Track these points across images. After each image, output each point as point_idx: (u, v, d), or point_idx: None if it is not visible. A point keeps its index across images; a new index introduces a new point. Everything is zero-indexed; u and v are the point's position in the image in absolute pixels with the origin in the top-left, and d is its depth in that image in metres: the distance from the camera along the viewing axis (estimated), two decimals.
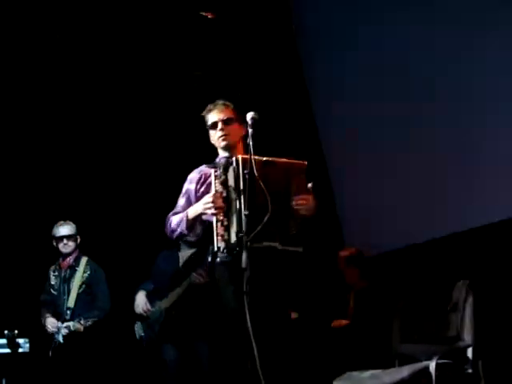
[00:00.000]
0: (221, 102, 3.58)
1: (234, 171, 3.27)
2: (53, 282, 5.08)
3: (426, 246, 4.98)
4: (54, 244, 5.05)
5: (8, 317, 5.06)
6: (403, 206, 5.23)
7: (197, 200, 3.44)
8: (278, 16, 5.99)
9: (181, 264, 4.87)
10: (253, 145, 3.16)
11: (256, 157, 3.25)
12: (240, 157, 3.29)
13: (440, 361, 3.72)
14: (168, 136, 5.78)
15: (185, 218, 3.43)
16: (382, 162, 5.42)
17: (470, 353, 3.84)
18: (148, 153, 5.82)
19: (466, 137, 4.81)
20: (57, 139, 5.63)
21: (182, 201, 3.56)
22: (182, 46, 5.77)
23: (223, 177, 3.31)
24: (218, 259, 3.36)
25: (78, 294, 4.97)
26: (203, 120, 3.59)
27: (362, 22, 5.52)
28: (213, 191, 3.31)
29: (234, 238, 3.23)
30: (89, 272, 5.04)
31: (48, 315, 4.92)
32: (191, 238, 3.74)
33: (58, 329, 4.82)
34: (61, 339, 4.80)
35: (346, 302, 5.07)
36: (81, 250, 5.14)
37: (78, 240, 5.10)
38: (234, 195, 3.28)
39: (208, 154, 3.62)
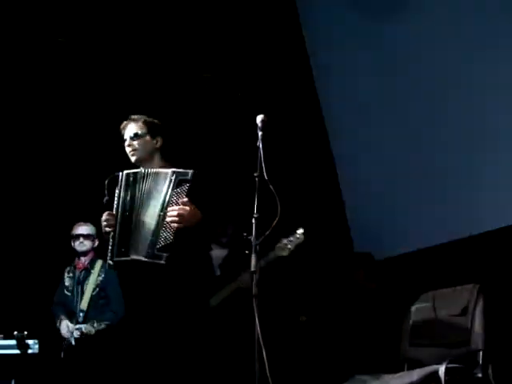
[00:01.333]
0: (132, 116, 3.68)
1: (119, 187, 3.47)
2: (67, 284, 5.07)
3: (437, 250, 4.97)
4: (72, 244, 5.07)
5: (17, 318, 5.07)
6: (414, 209, 5.21)
7: None
8: (286, 17, 5.99)
9: (215, 267, 4.87)
10: (262, 147, 3.17)
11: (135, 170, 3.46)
12: (124, 173, 3.50)
13: (450, 365, 3.69)
14: (178, 138, 5.77)
15: None
16: (393, 165, 5.40)
17: (480, 357, 3.82)
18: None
19: (481, 138, 4.78)
20: (80, 143, 5.64)
21: None
22: (191, 48, 5.77)
23: (115, 192, 3.50)
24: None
25: (92, 297, 4.96)
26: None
27: (372, 22, 5.52)
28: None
29: (111, 257, 3.42)
30: (103, 275, 5.02)
31: (63, 317, 4.92)
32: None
33: (71, 332, 4.82)
34: (73, 341, 4.80)
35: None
36: (97, 253, 5.12)
37: (96, 242, 5.09)
38: (116, 212, 3.46)
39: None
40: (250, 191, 3.15)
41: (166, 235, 3.33)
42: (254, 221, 3.07)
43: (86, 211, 5.35)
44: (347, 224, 5.84)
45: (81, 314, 4.91)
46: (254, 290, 2.96)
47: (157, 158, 3.60)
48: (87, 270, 5.05)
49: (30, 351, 4.77)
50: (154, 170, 3.48)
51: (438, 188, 5.05)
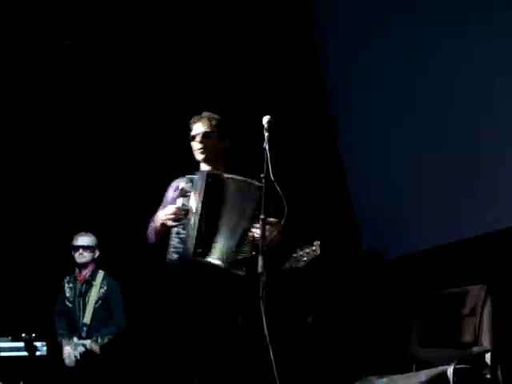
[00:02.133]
0: (206, 114, 3.64)
1: (201, 187, 3.37)
2: (68, 294, 5.03)
3: (444, 250, 4.95)
4: (72, 253, 5.03)
5: (25, 320, 5.08)
6: (423, 208, 5.20)
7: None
8: (293, 20, 5.98)
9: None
10: (269, 149, 3.17)
11: (232, 176, 3.37)
12: (206, 173, 3.42)
13: (458, 366, 3.68)
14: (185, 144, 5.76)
15: (153, 227, 3.50)
16: (405, 163, 5.38)
17: (488, 358, 3.80)
18: (163, 160, 5.81)
19: (490, 137, 4.76)
20: (80, 151, 5.65)
21: (160, 208, 3.60)
22: (197, 51, 5.77)
23: (190, 190, 3.40)
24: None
25: (95, 310, 4.91)
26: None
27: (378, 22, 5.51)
28: (178, 203, 3.39)
29: (187, 253, 3.31)
30: (105, 288, 4.99)
31: (65, 340, 4.85)
32: None
33: (75, 347, 4.80)
34: (78, 355, 4.78)
35: None
36: (98, 264, 5.10)
37: (96, 253, 5.06)
38: (194, 210, 3.36)
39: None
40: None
41: (250, 249, 3.29)
42: (260, 222, 3.06)
43: (90, 219, 5.40)
44: (356, 224, 5.82)
45: (84, 329, 4.86)
46: (262, 293, 2.95)
47: (220, 161, 3.58)
48: (88, 283, 5.00)
49: (38, 353, 4.79)
50: (243, 178, 3.42)
51: (447, 188, 5.03)
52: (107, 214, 5.64)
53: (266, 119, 3.25)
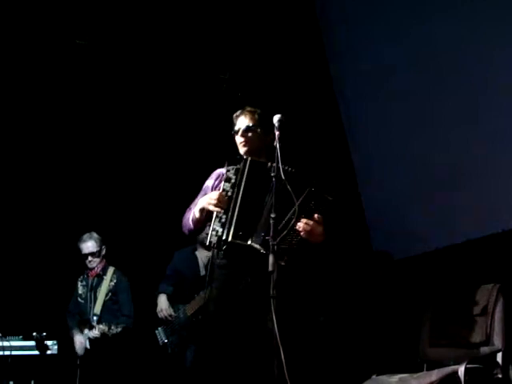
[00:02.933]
0: (248, 108, 3.62)
1: (244, 173, 3.36)
2: (80, 292, 5.16)
3: (456, 249, 4.93)
4: (83, 258, 5.16)
5: (37, 319, 5.11)
6: (432, 208, 5.17)
7: None
8: (304, 17, 5.97)
9: (201, 267, 4.89)
10: (280, 147, 3.17)
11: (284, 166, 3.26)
12: (249, 159, 3.39)
13: (469, 365, 3.66)
14: (195, 141, 5.78)
15: (192, 213, 3.50)
16: (411, 163, 5.37)
17: (499, 357, 3.79)
18: (173, 158, 5.83)
19: (500, 136, 4.74)
20: (84, 150, 5.67)
21: (199, 196, 3.60)
22: (207, 50, 5.78)
23: (233, 177, 3.39)
24: (218, 261, 3.43)
25: (105, 302, 5.04)
26: (230, 123, 3.63)
27: (388, 20, 5.50)
28: (220, 189, 3.39)
29: (226, 236, 3.30)
30: (115, 281, 5.12)
31: (75, 331, 4.97)
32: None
33: (86, 337, 4.87)
34: (88, 345, 4.84)
35: None
36: (108, 259, 5.23)
37: (103, 251, 5.18)
38: (237, 195, 3.36)
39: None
40: None
41: (292, 240, 3.27)
42: (271, 221, 3.06)
43: (98, 218, 5.44)
44: (366, 223, 5.81)
45: (94, 318, 4.97)
46: (272, 291, 2.94)
47: (264, 155, 3.54)
48: (99, 277, 5.13)
49: (49, 352, 4.81)
50: (293, 170, 3.38)
51: (457, 187, 5.01)
52: (116, 211, 5.68)
53: (276, 118, 3.25)
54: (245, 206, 3.35)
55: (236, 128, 3.59)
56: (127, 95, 5.66)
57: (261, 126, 3.54)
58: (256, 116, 3.57)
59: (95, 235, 5.15)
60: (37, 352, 4.80)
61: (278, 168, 3.13)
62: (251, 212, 3.34)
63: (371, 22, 5.61)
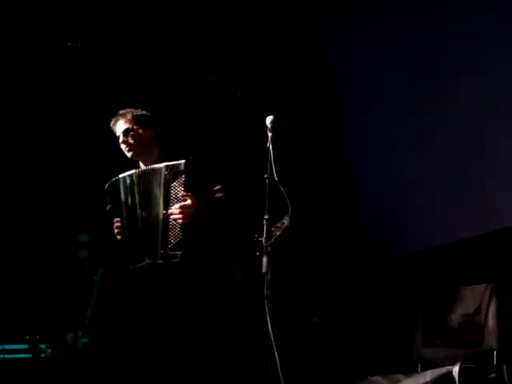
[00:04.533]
0: (120, 112, 3.62)
1: (119, 190, 3.43)
2: (73, 293, 5.15)
3: (450, 248, 4.93)
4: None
5: (29, 322, 5.08)
6: (427, 207, 5.18)
7: None
8: (297, 17, 5.96)
9: None
10: (273, 148, 3.16)
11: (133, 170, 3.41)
12: (109, 183, 3.49)
13: (463, 365, 3.67)
14: (188, 142, 5.77)
15: None
16: (406, 162, 5.37)
17: (494, 357, 3.79)
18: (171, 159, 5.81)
19: (494, 137, 4.75)
20: (84, 151, 5.65)
21: None
22: (199, 51, 5.77)
23: (116, 194, 3.46)
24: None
25: (97, 303, 5.00)
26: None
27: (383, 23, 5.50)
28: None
29: (124, 261, 3.38)
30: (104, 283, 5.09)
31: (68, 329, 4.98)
32: None
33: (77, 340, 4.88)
34: (80, 348, 4.84)
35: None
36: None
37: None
38: (121, 216, 3.41)
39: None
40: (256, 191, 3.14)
41: (175, 233, 3.29)
42: (264, 222, 3.06)
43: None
44: (361, 222, 5.80)
45: (87, 322, 4.96)
46: (266, 292, 2.94)
47: (155, 150, 3.56)
48: (91, 277, 5.10)
49: (42, 355, 4.79)
50: (148, 167, 3.43)
51: (452, 186, 5.01)
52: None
53: (269, 119, 3.25)
54: (131, 225, 3.39)
55: (117, 135, 3.57)
56: (120, 97, 5.63)
57: (139, 124, 3.54)
58: (130, 117, 3.56)
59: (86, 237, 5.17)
60: (29, 355, 4.78)
61: (272, 170, 3.13)
62: (136, 227, 3.37)
63: (369, 22, 5.62)
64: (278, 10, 5.86)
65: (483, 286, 4.03)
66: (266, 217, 3.08)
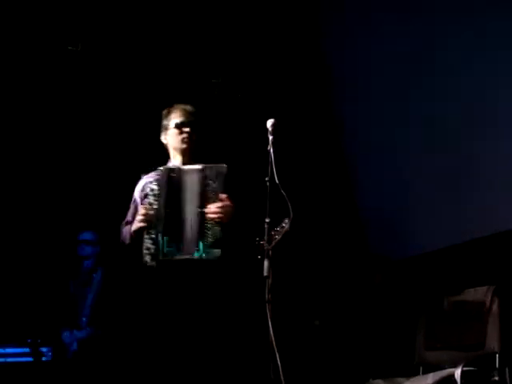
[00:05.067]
0: (183, 105, 3.65)
1: (171, 182, 3.38)
2: (71, 291, 5.17)
3: (451, 251, 4.93)
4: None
5: (31, 325, 5.09)
6: (428, 210, 5.17)
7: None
8: (297, 20, 5.97)
9: None
10: (273, 151, 3.17)
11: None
12: (168, 168, 3.44)
13: (465, 368, 3.66)
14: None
15: (129, 233, 3.44)
16: (407, 164, 5.36)
17: (496, 360, 3.79)
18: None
19: (494, 138, 4.74)
20: (85, 155, 5.65)
21: (131, 208, 3.57)
22: (200, 54, 5.77)
23: (155, 187, 3.39)
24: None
25: (94, 302, 5.04)
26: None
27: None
28: (145, 203, 3.39)
29: (159, 252, 3.29)
30: (105, 281, 5.11)
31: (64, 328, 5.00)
32: None
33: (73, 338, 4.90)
34: (75, 346, 4.86)
35: None
36: (100, 259, 5.22)
37: (98, 248, 5.19)
38: (159, 207, 3.35)
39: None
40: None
41: (214, 231, 3.29)
42: (265, 226, 3.06)
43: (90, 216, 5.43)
44: (363, 225, 5.80)
45: (84, 319, 5.01)
46: (268, 296, 2.94)
47: (190, 153, 3.58)
48: (90, 276, 5.15)
49: (43, 359, 4.79)
50: (189, 166, 3.43)
51: (452, 188, 5.01)
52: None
53: (270, 122, 3.26)
54: (169, 217, 3.34)
55: (178, 121, 3.56)
56: (120, 100, 5.65)
57: (196, 123, 3.58)
58: (193, 112, 3.61)
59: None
60: (31, 359, 4.78)
61: (272, 173, 3.13)
62: (175, 221, 3.33)
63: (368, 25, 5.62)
64: (277, 14, 5.86)
65: (485, 288, 4.03)
66: (267, 220, 3.09)
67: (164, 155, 5.74)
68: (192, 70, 5.77)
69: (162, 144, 5.04)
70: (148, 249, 3.32)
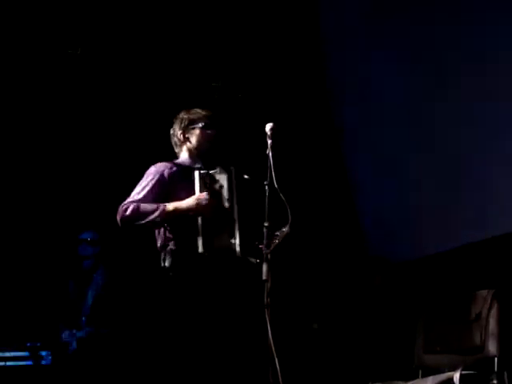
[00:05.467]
0: (207, 111, 3.74)
1: (231, 179, 3.42)
2: (71, 290, 5.18)
3: (450, 255, 4.93)
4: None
5: (30, 329, 5.09)
6: (427, 214, 5.18)
7: (176, 197, 3.45)
8: (296, 24, 5.98)
9: None
10: (272, 155, 3.18)
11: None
12: (234, 169, 3.47)
13: (464, 372, 3.66)
14: None
15: (162, 208, 3.40)
16: (407, 169, 5.37)
17: (495, 364, 3.79)
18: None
19: (494, 139, 4.74)
20: (85, 157, 5.66)
21: (146, 190, 3.50)
22: (200, 58, 5.78)
23: (218, 183, 3.42)
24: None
25: (94, 302, 5.04)
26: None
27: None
28: (201, 193, 3.39)
29: (233, 246, 3.32)
30: (106, 281, 5.11)
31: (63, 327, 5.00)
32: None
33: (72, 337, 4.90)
34: (74, 345, 4.86)
35: None
36: (100, 259, 5.22)
37: (98, 248, 5.19)
38: (227, 203, 3.38)
39: None
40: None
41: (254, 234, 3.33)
42: (264, 229, 3.06)
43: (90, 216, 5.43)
44: (362, 228, 5.80)
45: (83, 319, 5.00)
46: (266, 299, 2.94)
47: (212, 154, 3.68)
48: (90, 276, 5.14)
49: (43, 362, 4.79)
50: (232, 167, 3.52)
51: (452, 192, 5.01)
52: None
53: (269, 126, 3.27)
54: (242, 216, 3.37)
55: (210, 121, 3.67)
56: (120, 104, 5.66)
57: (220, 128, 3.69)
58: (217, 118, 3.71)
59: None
60: (30, 362, 4.78)
61: (271, 177, 3.14)
62: (246, 223, 3.36)
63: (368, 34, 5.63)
64: (277, 18, 5.87)
65: (484, 291, 4.03)
66: (265, 224, 3.09)
67: (163, 156, 5.77)
68: (192, 74, 5.78)
69: (161, 144, 5.03)
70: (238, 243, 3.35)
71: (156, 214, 3.38)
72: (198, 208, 3.35)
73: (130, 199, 3.46)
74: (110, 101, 5.63)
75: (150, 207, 3.41)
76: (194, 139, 3.64)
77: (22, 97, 5.38)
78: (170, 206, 3.41)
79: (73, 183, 5.62)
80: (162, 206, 3.41)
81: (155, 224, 3.43)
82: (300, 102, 5.91)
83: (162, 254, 3.45)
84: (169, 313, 3.41)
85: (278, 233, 3.15)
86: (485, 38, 4.73)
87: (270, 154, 3.19)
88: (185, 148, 3.67)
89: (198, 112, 3.71)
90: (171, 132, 3.76)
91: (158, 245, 3.52)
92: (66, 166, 5.60)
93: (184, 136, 3.66)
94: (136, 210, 3.40)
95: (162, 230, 3.48)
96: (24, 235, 5.43)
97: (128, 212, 3.40)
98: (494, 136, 4.75)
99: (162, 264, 3.41)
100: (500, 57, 4.65)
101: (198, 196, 3.38)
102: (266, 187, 3.14)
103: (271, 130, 3.25)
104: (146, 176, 3.56)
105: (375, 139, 5.66)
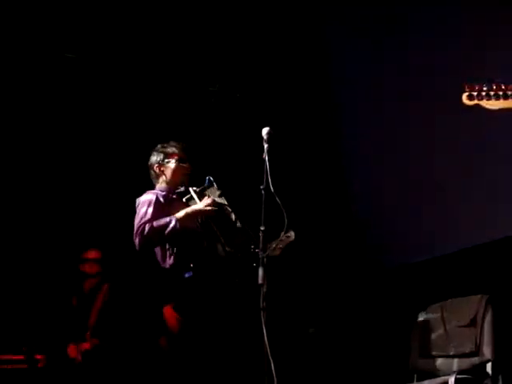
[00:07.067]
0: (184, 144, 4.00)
1: (214, 190, 3.72)
2: (75, 304, 5.17)
3: (445, 260, 4.94)
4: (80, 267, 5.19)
5: (26, 333, 5.08)
6: (424, 219, 5.18)
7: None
8: (295, 29, 5.99)
9: None
10: (268, 160, 3.19)
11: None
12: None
13: (459, 376, 3.68)
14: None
15: (175, 218, 3.63)
16: (406, 173, 5.37)
17: (489, 368, 3.80)
18: None
19: (492, 149, 4.75)
20: (83, 164, 5.66)
21: (151, 211, 3.70)
22: (197, 62, 5.79)
23: (212, 194, 3.72)
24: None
25: (98, 318, 5.02)
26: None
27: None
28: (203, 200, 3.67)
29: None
30: (109, 297, 5.12)
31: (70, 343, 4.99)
32: None
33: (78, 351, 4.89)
34: (80, 359, 4.83)
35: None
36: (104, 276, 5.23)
37: (102, 266, 5.20)
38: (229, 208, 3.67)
39: None
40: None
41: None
42: (260, 234, 3.07)
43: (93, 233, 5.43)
44: (357, 233, 5.81)
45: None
46: (262, 303, 2.95)
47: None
48: (94, 292, 5.14)
49: (38, 366, 4.78)
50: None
51: (447, 197, 5.02)
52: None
53: (265, 131, 3.28)
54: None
55: (180, 156, 3.90)
56: (117, 108, 5.66)
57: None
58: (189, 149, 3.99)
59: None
60: (26, 366, 4.77)
61: (268, 181, 3.15)
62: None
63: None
64: (275, 22, 5.88)
65: (479, 296, 4.04)
66: (262, 228, 3.10)
67: None
68: (189, 78, 5.79)
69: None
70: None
71: (172, 223, 3.60)
72: (205, 208, 3.62)
73: (140, 222, 3.64)
74: (108, 105, 5.64)
75: (163, 221, 3.62)
76: (168, 173, 3.88)
77: (19, 102, 5.37)
78: (180, 213, 3.66)
79: (77, 202, 5.61)
80: (173, 216, 3.64)
81: (174, 234, 3.62)
82: (297, 106, 5.93)
83: (176, 268, 3.66)
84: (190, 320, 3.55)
85: (282, 238, 3.19)
86: None
87: (267, 158, 3.19)
88: (161, 180, 3.92)
89: (173, 145, 3.93)
90: (148, 164, 3.98)
91: (168, 265, 3.72)
92: (73, 186, 5.60)
93: (160, 169, 3.90)
94: (152, 228, 3.60)
95: (170, 250, 3.70)
96: (29, 252, 5.43)
97: (146, 232, 3.59)
98: (493, 136, 4.75)
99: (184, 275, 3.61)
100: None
101: (203, 200, 3.67)
102: (263, 191, 3.14)
103: (267, 134, 3.26)
104: (141, 204, 3.76)
105: (373, 143, 5.67)
